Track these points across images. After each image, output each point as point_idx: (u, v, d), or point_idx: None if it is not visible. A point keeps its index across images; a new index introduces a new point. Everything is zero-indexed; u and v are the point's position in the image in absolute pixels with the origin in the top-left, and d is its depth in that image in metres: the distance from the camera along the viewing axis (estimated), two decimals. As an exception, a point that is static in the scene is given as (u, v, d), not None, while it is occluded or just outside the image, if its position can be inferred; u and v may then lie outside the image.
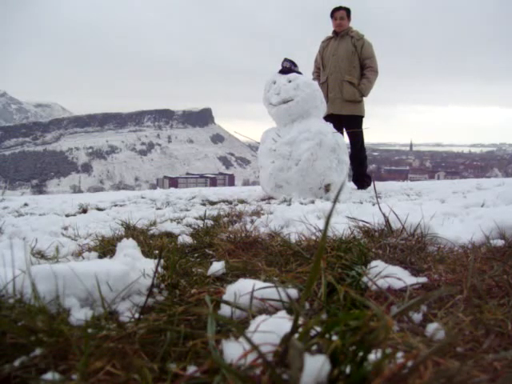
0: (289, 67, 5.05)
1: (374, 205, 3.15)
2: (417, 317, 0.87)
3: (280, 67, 5.09)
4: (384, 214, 1.60)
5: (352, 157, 5.34)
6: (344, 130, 5.77)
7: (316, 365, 0.53)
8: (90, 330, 0.75)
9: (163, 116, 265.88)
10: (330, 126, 4.83)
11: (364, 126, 5.89)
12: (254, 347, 0.56)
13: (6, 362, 0.67)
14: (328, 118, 5.37)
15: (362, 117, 5.88)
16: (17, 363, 0.67)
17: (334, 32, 5.89)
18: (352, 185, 5.92)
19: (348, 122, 5.77)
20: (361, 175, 5.87)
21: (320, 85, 5.56)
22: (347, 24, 5.84)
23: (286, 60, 5.10)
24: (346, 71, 5.71)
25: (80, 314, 0.87)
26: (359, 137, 5.84)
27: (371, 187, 5.70)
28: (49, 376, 0.62)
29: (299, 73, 5.08)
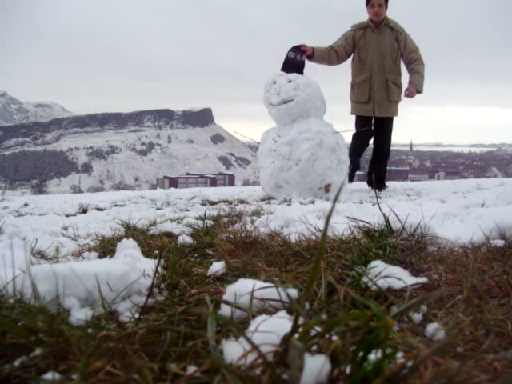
0: (293, 58, 4.82)
1: (374, 205, 3.15)
2: (417, 317, 0.87)
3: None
4: (384, 214, 1.60)
5: (379, 157, 5.22)
6: (356, 131, 5.44)
7: (316, 365, 0.53)
8: (90, 330, 0.75)
9: (163, 116, 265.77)
10: (330, 126, 4.82)
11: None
12: (254, 347, 0.56)
13: (6, 362, 0.67)
14: (361, 119, 5.22)
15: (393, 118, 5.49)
16: (17, 363, 0.67)
17: (371, 21, 5.15)
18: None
19: (384, 123, 5.33)
20: (383, 174, 5.55)
21: (356, 84, 5.25)
22: (385, 12, 5.13)
23: (292, 49, 4.84)
24: (391, 70, 5.18)
25: (80, 314, 0.87)
26: (390, 136, 5.46)
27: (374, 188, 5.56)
28: (49, 376, 0.62)
29: (303, 62, 4.89)
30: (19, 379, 0.64)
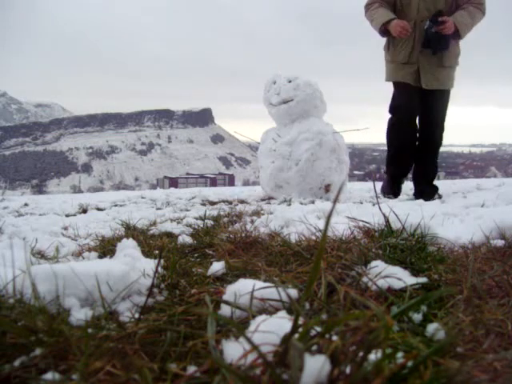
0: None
1: (374, 205, 3.15)
2: (417, 317, 0.87)
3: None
4: (384, 214, 1.60)
5: (426, 148, 3.93)
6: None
7: (316, 365, 0.53)
8: (90, 330, 0.75)
9: (163, 116, 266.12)
10: (330, 126, 4.82)
11: (365, 125, 5.24)
12: (254, 347, 0.56)
13: (6, 362, 0.67)
14: (399, 88, 3.87)
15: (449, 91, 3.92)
16: (17, 363, 0.66)
17: None
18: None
19: (434, 97, 3.82)
20: (433, 175, 4.17)
21: (393, 37, 3.80)
22: None
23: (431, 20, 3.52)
24: None
25: (80, 314, 0.87)
26: (443, 116, 3.91)
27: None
28: (49, 376, 0.62)
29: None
30: (19, 379, 0.64)
